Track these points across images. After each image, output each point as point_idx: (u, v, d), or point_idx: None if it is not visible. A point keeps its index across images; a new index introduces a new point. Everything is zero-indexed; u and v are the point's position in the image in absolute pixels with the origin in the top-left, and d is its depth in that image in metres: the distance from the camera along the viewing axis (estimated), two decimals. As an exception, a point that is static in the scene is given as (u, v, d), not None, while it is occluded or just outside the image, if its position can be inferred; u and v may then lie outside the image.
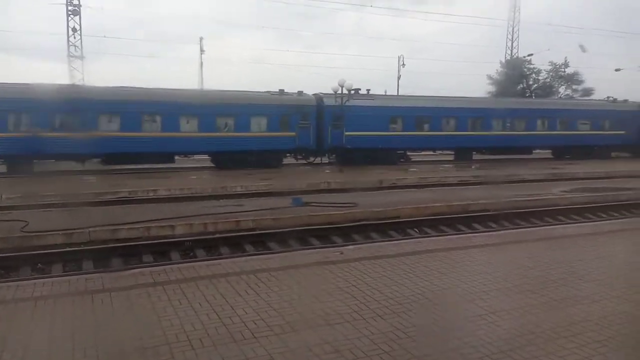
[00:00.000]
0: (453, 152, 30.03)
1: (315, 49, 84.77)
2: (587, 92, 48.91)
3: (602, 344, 4.32)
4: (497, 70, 52.75)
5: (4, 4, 68.57)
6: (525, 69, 52.39)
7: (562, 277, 6.25)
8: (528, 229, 11.03)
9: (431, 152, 31.35)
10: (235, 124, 23.34)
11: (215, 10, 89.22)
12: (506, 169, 23.19)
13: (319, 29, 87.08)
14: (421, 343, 4.38)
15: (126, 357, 4.21)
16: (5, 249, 8.86)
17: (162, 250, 9.21)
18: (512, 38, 49.83)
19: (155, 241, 9.67)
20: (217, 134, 22.81)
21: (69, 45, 36.91)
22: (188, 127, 22.58)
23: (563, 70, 52.04)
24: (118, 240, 9.75)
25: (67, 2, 36.23)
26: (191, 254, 9.27)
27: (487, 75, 53.57)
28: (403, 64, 46.62)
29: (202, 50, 42.71)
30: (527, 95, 51.09)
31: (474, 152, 29.71)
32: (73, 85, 21.12)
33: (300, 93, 25.08)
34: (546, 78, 53.31)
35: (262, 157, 23.28)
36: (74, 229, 9.85)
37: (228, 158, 23.05)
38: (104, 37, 60.34)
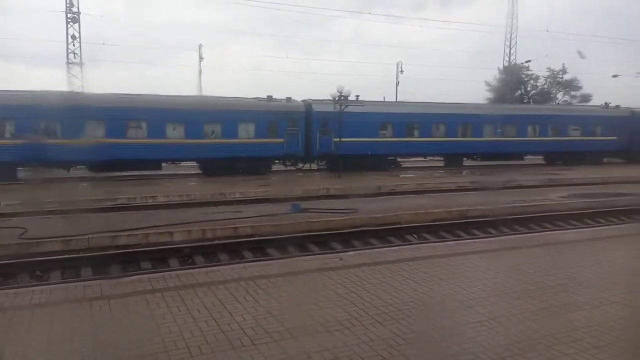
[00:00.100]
0: (443, 159, 29.92)
1: (313, 56, 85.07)
2: (586, 98, 49.10)
3: (602, 350, 4.31)
4: (495, 76, 53.00)
5: (4, 12, 68.79)
6: (523, 75, 52.60)
7: (562, 282, 6.24)
8: (527, 234, 11.01)
9: (422, 159, 31.23)
10: (222, 131, 23.15)
11: (214, 18, 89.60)
12: (503, 175, 23.20)
13: (317, 37, 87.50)
14: (420, 349, 4.37)
15: (124, 364, 4.19)
16: (4, 256, 8.83)
17: (160, 257, 9.18)
18: (510, 45, 50.04)
19: (154, 248, 9.65)
20: (204, 140, 22.61)
21: (68, 53, 37.00)
22: (174, 134, 22.32)
23: (561, 76, 52.30)
24: (116, 247, 9.73)
25: (66, 9, 36.34)
26: (190, 260, 9.25)
27: (485, 81, 53.87)
28: (401, 71, 46.85)
29: (201, 58, 42.82)
30: (525, 101, 51.27)
31: (465, 159, 29.65)
32: (57, 92, 20.83)
33: (288, 99, 24.93)
34: (544, 84, 53.56)
35: (250, 164, 23.15)
36: (73, 236, 9.83)
37: (215, 165, 22.85)
38: (103, 44, 60.37)
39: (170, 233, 10.48)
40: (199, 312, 5.17)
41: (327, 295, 5.69)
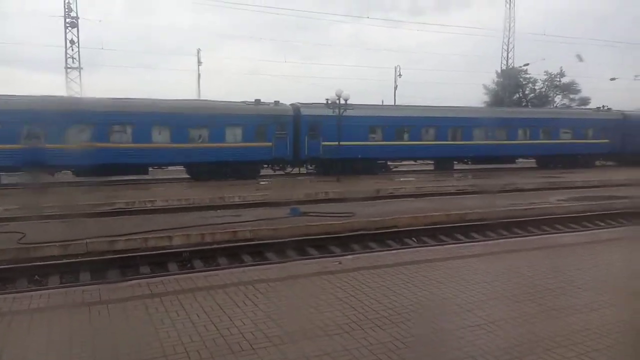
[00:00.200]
0: (433, 162, 29.74)
1: (312, 60, 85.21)
2: (584, 101, 49.26)
3: (602, 353, 4.31)
4: (493, 80, 53.17)
5: (3, 17, 68.96)
6: (521, 79, 52.78)
7: (561, 285, 6.25)
8: (526, 237, 11.03)
9: (412, 162, 31.14)
10: (209, 135, 22.96)
11: (213, 23, 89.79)
12: (502, 178, 23.23)
13: (316, 41, 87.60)
14: (420, 353, 4.37)
15: (123, 369, 4.18)
16: (2, 261, 8.81)
17: (159, 262, 9.17)
18: (508, 48, 50.15)
19: (153, 252, 9.63)
20: (191, 144, 22.42)
21: (66, 57, 37.03)
22: (161, 138, 22.12)
23: (559, 79, 52.50)
24: (115, 252, 9.71)
25: (65, 14, 36.39)
26: (189, 264, 9.24)
27: (483, 85, 54.03)
28: (400, 74, 46.91)
29: (199, 62, 42.83)
30: (524, 104, 51.41)
31: (455, 162, 29.55)
32: (40, 97, 20.58)
33: (276, 103, 24.78)
34: (541, 88, 53.75)
35: (238, 168, 23.00)
36: (71, 241, 9.82)
37: (203, 169, 22.69)
38: (102, 49, 60.39)
39: (170, 237, 10.47)
40: (198, 316, 5.17)
41: (326, 299, 5.69)
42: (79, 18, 36.70)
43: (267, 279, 6.53)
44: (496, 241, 10.40)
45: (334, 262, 7.66)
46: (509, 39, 49.75)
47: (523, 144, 29.77)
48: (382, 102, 39.95)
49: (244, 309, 5.39)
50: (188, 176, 23.94)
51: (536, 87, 53.90)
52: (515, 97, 52.40)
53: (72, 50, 36.95)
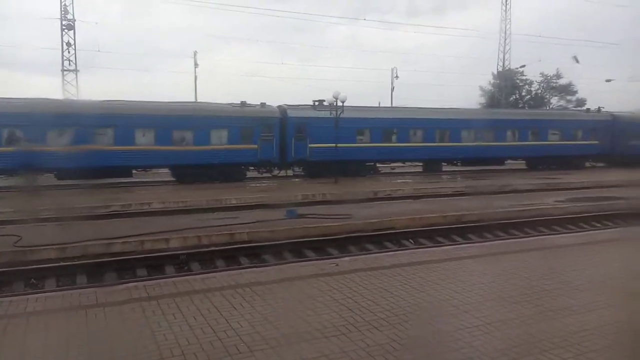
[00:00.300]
0: (422, 164, 29.62)
1: (309, 62, 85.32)
2: (581, 102, 49.43)
3: (599, 354, 4.32)
4: (489, 81, 53.36)
5: (0, 19, 68.83)
6: (517, 81, 52.96)
7: (558, 286, 6.26)
8: (523, 239, 11.04)
9: (401, 164, 31.09)
10: (194, 137, 22.71)
11: (210, 25, 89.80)
12: (496, 180, 23.27)
13: (313, 43, 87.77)
14: (417, 355, 4.37)
15: (120, 372, 4.17)
16: (-2, 264, 8.77)
17: (156, 264, 9.15)
18: (504, 50, 50.34)
19: (150, 255, 9.61)
20: (175, 147, 22.16)
21: (63, 60, 36.98)
22: (144, 140, 21.89)
23: (555, 81, 52.68)
24: (112, 255, 9.68)
25: (61, 17, 36.35)
26: (186, 267, 9.22)
27: (479, 86, 54.22)
28: (396, 76, 46.98)
29: (196, 64, 42.69)
30: (520, 106, 51.58)
31: (444, 164, 29.49)
32: (22, 99, 20.35)
33: (263, 105, 24.60)
34: (537, 89, 53.94)
35: (224, 171, 22.83)
36: (68, 243, 9.79)
37: (188, 172, 22.51)
38: (98, 51, 60.27)
39: (166, 240, 10.45)
40: (195, 319, 5.16)
41: (323, 301, 5.68)
42: (75, 20, 36.72)
43: (264, 281, 6.53)
44: (493, 242, 10.43)
45: (330, 264, 7.66)
46: (505, 40, 50.02)
47: (512, 146, 29.68)
48: (379, 103, 40.08)
49: (241, 311, 5.38)
50: (173, 179, 23.62)
51: (532, 89, 54.14)
52: (511, 98, 52.57)
53: (69, 52, 36.97)
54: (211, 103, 24.16)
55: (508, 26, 49.67)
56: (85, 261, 9.10)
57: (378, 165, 28.10)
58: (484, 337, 4.65)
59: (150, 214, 14.17)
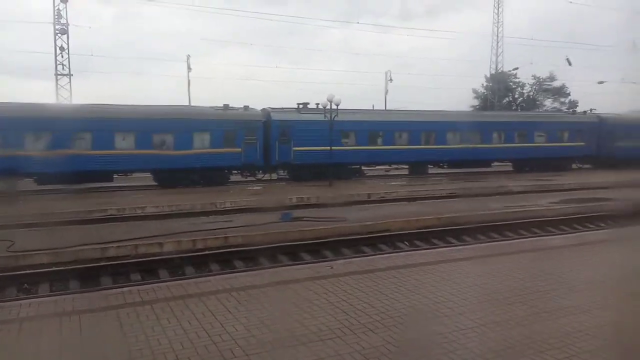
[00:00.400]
0: (408, 167, 29.51)
1: (301, 66, 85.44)
2: (573, 104, 49.69)
3: (594, 354, 4.34)
4: (482, 84, 53.58)
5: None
6: (510, 83, 53.22)
7: (552, 287, 6.28)
8: (517, 240, 11.07)
9: (387, 167, 31.01)
10: (175, 140, 22.41)
11: (203, 29, 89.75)
12: (495, 182, 23.34)
13: (306, 46, 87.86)
14: (412, 357, 4.37)
15: (114, 377, 4.14)
16: (-10, 270, 8.70)
17: (150, 269, 9.11)
18: (497, 53, 50.62)
19: (144, 259, 9.56)
20: (156, 150, 21.86)
21: (56, 64, 36.79)
22: (124, 144, 21.59)
23: (548, 83, 52.97)
24: (105, 259, 9.63)
25: (54, 21, 36.19)
26: (180, 271, 9.18)
27: (472, 89, 54.42)
28: (390, 79, 47.00)
29: (189, 68, 42.55)
30: (514, 108, 51.83)
31: (431, 166, 29.45)
32: (2, 103, 20.07)
33: (246, 108, 24.43)
34: (530, 91, 54.23)
35: (206, 175, 22.66)
36: (61, 248, 9.73)
37: (170, 176, 22.28)
38: (91, 55, 60.21)
39: (160, 244, 10.40)
40: (189, 323, 5.13)
41: (318, 304, 5.68)
42: (69, 25, 36.48)
43: (259, 285, 6.52)
44: (487, 244, 10.46)
45: (326, 266, 7.66)
46: (497, 43, 50.29)
47: (498, 148, 29.59)
48: (373, 106, 40.12)
49: (236, 314, 5.36)
50: (155, 183, 23.21)
51: (524, 92, 54.43)
52: (504, 101, 52.81)
53: (62, 57, 36.70)
54: (193, 106, 23.82)
55: (500, 29, 49.99)
56: (79, 266, 9.04)
57: (364, 168, 27.93)
58: (479, 339, 4.66)
59: (143, 218, 14.12)
